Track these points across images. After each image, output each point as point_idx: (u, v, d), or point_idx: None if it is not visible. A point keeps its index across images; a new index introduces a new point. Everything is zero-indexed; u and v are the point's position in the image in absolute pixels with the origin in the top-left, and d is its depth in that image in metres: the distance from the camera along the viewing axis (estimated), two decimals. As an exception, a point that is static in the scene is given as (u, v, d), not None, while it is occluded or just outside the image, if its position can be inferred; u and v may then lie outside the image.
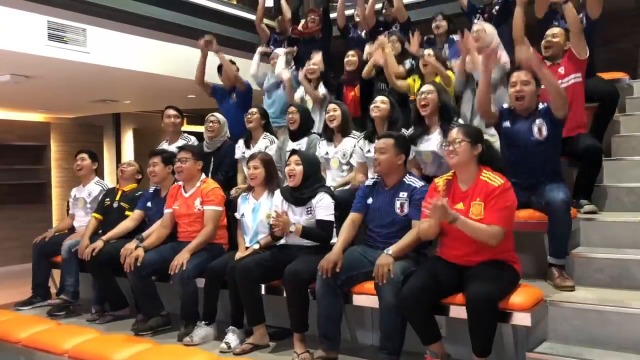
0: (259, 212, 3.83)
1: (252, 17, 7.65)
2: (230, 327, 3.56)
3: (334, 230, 3.55)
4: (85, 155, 5.06)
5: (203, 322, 3.69)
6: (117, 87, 7.24)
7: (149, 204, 4.42)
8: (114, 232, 4.28)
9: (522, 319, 2.77)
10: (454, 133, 3.01)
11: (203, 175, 4.13)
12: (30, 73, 6.07)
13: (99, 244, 4.13)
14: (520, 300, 2.79)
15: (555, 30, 4.21)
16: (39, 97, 7.74)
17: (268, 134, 4.82)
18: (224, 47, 7.12)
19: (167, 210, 4.13)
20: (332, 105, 4.36)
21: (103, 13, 5.90)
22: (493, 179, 2.92)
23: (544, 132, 3.41)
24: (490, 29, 4.36)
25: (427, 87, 3.83)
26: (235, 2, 7.76)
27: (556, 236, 3.26)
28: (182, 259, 3.75)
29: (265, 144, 4.73)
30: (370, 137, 3.98)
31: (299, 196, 3.55)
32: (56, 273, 4.97)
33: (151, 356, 3.20)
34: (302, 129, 4.57)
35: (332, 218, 3.52)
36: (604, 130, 4.35)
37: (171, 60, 6.65)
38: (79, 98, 7.91)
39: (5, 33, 5.11)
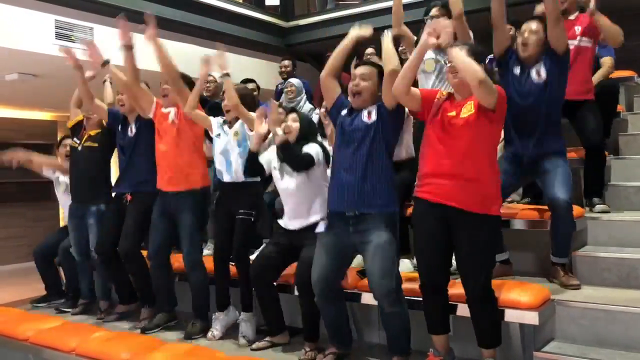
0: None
1: (258, 15, 7.70)
2: (241, 316, 3.57)
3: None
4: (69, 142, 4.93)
5: (218, 312, 3.70)
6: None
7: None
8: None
9: (530, 317, 2.76)
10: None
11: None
12: (37, 72, 6.09)
13: None
14: (528, 299, 2.79)
15: None
16: (47, 96, 7.77)
17: None
18: (233, 46, 7.17)
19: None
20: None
21: (110, 12, 5.91)
22: None
23: (543, 74, 3.23)
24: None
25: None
26: (241, 1, 7.75)
27: (559, 236, 3.23)
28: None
29: None
30: None
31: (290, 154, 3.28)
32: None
33: (159, 354, 3.20)
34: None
35: (314, 158, 3.23)
36: (609, 125, 4.27)
37: (179, 59, 6.56)
38: (86, 96, 7.90)
39: (13, 32, 5.13)
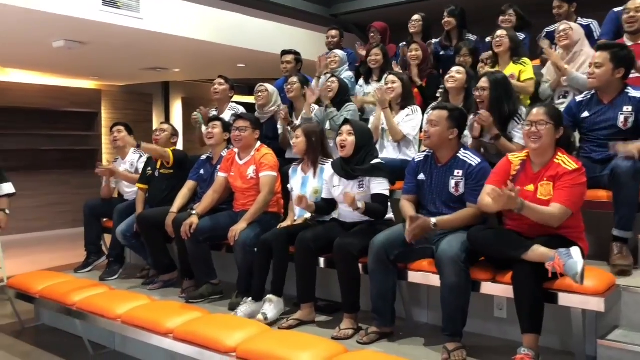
0: (307, 186, 3.73)
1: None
2: (268, 295, 3.46)
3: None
4: (121, 127, 5.08)
5: (250, 298, 3.56)
6: (168, 54, 7.21)
7: (201, 171, 4.39)
8: (202, 207, 4.00)
9: (594, 303, 2.59)
10: (538, 113, 2.81)
11: (258, 143, 4.05)
12: (84, 39, 6.07)
13: (194, 219, 3.86)
14: (593, 284, 2.62)
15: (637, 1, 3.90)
16: (92, 64, 7.79)
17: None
18: (277, 15, 7.03)
19: (220, 174, 4.09)
20: (390, 77, 4.20)
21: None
22: (568, 162, 2.75)
23: (630, 123, 3.20)
24: (576, 27, 4.13)
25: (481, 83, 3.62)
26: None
27: (621, 204, 3.02)
28: (238, 228, 3.72)
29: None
30: None
31: (350, 170, 3.39)
32: (107, 237, 5.05)
33: (202, 325, 3.16)
34: (338, 100, 4.47)
35: (387, 192, 3.38)
36: None
37: (223, 27, 6.56)
38: (130, 65, 7.93)
39: (61, -2, 5.10)
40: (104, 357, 3.83)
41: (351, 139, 3.40)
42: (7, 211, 4.15)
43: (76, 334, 4.05)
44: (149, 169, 4.71)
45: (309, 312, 3.42)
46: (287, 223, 3.71)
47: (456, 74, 3.97)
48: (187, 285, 4.08)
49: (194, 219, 3.85)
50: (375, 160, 3.39)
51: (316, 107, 4.65)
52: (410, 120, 4.08)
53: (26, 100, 8.67)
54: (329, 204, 3.57)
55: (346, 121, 3.52)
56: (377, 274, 3.07)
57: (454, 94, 4.00)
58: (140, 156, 5.01)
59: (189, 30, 6.22)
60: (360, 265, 3.21)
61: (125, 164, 5.05)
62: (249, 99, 8.86)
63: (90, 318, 3.65)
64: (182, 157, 4.59)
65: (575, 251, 2.55)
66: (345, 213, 3.46)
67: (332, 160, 3.67)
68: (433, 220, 2.99)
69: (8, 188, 3.93)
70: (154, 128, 5.05)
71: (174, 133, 4.87)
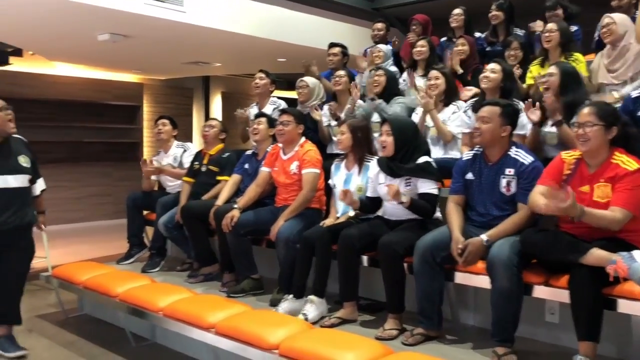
0: (351, 184, 3.66)
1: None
2: (310, 296, 3.39)
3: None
4: (166, 121, 5.11)
5: (291, 295, 3.51)
6: (210, 48, 7.24)
7: (246, 165, 4.36)
8: (244, 200, 4.01)
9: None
10: (585, 114, 2.67)
11: (302, 139, 3.99)
12: (128, 32, 6.13)
13: (235, 212, 3.87)
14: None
15: None
16: (135, 58, 7.89)
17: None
18: (319, 9, 6.97)
19: (264, 168, 4.06)
20: (434, 72, 4.09)
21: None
22: (627, 162, 2.60)
23: None
24: (620, 19, 3.84)
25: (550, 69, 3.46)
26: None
27: None
28: (277, 227, 3.69)
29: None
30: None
31: (395, 168, 3.30)
32: (149, 229, 5.09)
33: (245, 320, 3.12)
34: (387, 93, 4.37)
35: (436, 191, 3.29)
36: None
37: (265, 21, 6.54)
38: (172, 59, 7.99)
39: (107, -9, 5.15)
40: (145, 349, 3.84)
41: (390, 139, 3.31)
42: (46, 212, 4.18)
43: (118, 325, 4.09)
44: (196, 163, 4.73)
45: (352, 310, 3.35)
46: (329, 220, 3.64)
47: (490, 74, 3.75)
48: (227, 279, 4.07)
49: (235, 212, 3.84)
50: (422, 159, 3.28)
51: (360, 101, 4.57)
52: (456, 119, 3.97)
53: (71, 93, 8.83)
54: (374, 203, 3.48)
55: (384, 120, 3.42)
56: (423, 276, 2.98)
57: (489, 94, 3.77)
58: (184, 150, 5.02)
59: (231, 24, 6.22)
60: (405, 265, 3.12)
61: (168, 157, 5.07)
62: (289, 94, 8.86)
63: (133, 310, 3.66)
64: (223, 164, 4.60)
65: (638, 254, 2.42)
66: (390, 210, 3.38)
67: (377, 157, 3.58)
68: (484, 237, 2.86)
69: (42, 184, 3.95)
70: (203, 124, 5.03)
71: (223, 129, 4.85)
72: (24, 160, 3.59)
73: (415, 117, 4.16)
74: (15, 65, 8.01)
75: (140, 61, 8.24)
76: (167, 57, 7.82)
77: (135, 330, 3.94)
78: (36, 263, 3.70)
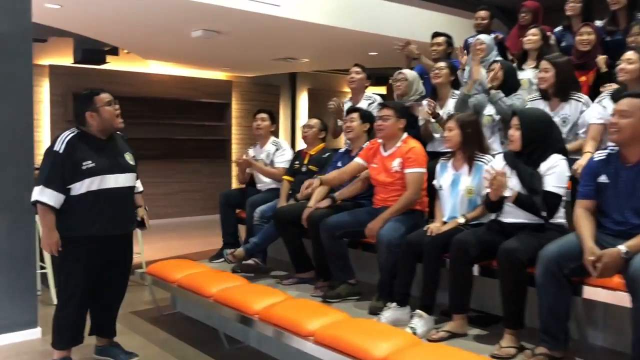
0: (460, 185, 3.34)
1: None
2: (418, 310, 3.13)
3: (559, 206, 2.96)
4: (265, 116, 4.98)
5: (395, 303, 3.26)
6: (301, 42, 7.11)
7: (339, 164, 4.16)
8: (326, 178, 3.95)
9: None
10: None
11: (405, 135, 3.72)
12: (221, 28, 6.10)
13: (316, 182, 3.80)
14: None
15: None
16: (225, 55, 7.90)
17: (457, 92, 4.27)
18: (428, 2, 6.67)
19: (359, 160, 3.84)
20: (544, 64, 3.70)
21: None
22: None
23: None
24: None
25: None
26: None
27: None
28: (375, 227, 3.45)
29: (453, 103, 4.21)
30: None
31: (522, 162, 2.99)
32: (241, 228, 5.00)
33: (346, 329, 2.91)
34: (506, 87, 3.96)
35: (562, 192, 2.93)
36: None
37: (358, 13, 6.33)
38: (262, 55, 7.94)
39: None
40: (238, 352, 3.71)
41: (517, 133, 3.00)
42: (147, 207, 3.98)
43: (211, 325, 3.99)
44: (297, 162, 4.61)
45: (462, 324, 3.05)
46: (434, 225, 3.28)
47: (627, 65, 3.34)
48: (321, 284, 3.88)
49: (315, 181, 3.78)
50: (553, 157, 2.94)
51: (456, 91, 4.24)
52: (593, 110, 3.54)
53: (164, 90, 9.02)
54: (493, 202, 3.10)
55: (513, 113, 3.10)
56: (548, 289, 2.64)
57: (631, 86, 3.32)
58: (277, 149, 4.89)
59: (324, 16, 6.05)
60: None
61: (262, 152, 4.96)
62: (376, 90, 8.60)
63: (227, 312, 3.54)
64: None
65: None
66: (509, 209, 3.03)
67: (500, 152, 3.27)
68: (623, 248, 2.47)
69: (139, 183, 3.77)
70: (302, 124, 4.89)
71: (322, 128, 4.68)
72: (129, 158, 3.32)
73: None
74: (112, 64, 8.25)
75: (230, 58, 8.26)
76: (257, 53, 7.78)
77: (229, 332, 3.82)
78: (131, 258, 3.62)
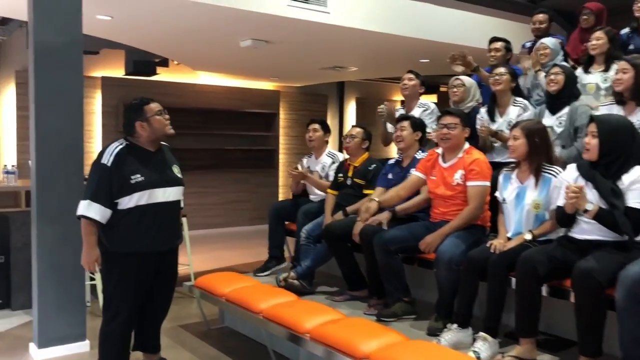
0: (525, 198, 3.10)
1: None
2: (481, 332, 2.91)
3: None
4: (317, 126, 4.81)
5: (455, 324, 3.06)
6: (350, 50, 6.95)
7: (389, 176, 3.97)
8: (384, 198, 3.75)
9: None
10: None
11: (467, 145, 3.50)
12: (269, 37, 6.01)
13: (373, 205, 3.64)
14: None
15: None
16: (274, 65, 7.84)
17: (519, 99, 4.03)
18: (475, 4, 6.43)
19: (417, 173, 3.64)
20: (622, 64, 3.43)
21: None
22: None
23: None
24: None
25: None
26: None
27: None
28: (433, 241, 3.25)
29: (517, 112, 3.96)
30: None
31: (599, 174, 2.74)
32: (290, 240, 4.88)
33: (404, 354, 2.72)
34: (565, 95, 3.71)
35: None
36: None
37: (410, 19, 6.13)
38: (310, 64, 7.84)
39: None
40: (288, 370, 3.57)
41: (594, 141, 2.76)
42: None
43: (260, 342, 3.86)
44: (340, 175, 4.42)
45: (530, 348, 2.81)
46: (498, 242, 3.05)
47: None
48: (375, 302, 3.69)
49: (373, 204, 3.58)
50: (635, 170, 2.69)
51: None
52: None
53: (212, 101, 9.04)
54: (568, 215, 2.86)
55: (592, 119, 2.85)
56: (631, 315, 2.41)
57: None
58: (333, 162, 4.73)
59: (374, 23, 5.88)
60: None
61: (318, 164, 4.81)
62: (427, 98, 8.34)
63: (277, 329, 3.39)
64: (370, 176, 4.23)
65: None
66: (584, 225, 2.79)
67: (572, 163, 3.01)
68: None
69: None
70: (344, 134, 4.72)
71: (366, 137, 4.41)
72: (177, 170, 3.16)
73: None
74: (162, 75, 8.31)
75: (278, 68, 8.19)
76: (305, 62, 7.68)
77: (278, 349, 3.68)
78: (179, 269, 3.51)
